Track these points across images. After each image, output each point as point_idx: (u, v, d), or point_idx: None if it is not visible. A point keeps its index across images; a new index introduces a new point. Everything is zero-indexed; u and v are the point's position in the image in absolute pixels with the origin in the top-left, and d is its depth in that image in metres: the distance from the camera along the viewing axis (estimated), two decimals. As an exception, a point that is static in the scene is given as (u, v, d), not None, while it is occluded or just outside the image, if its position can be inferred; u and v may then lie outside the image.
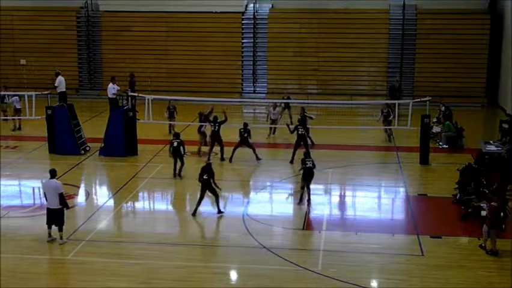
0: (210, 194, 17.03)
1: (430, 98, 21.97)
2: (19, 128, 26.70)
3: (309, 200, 17.68)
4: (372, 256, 14.54)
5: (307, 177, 17.75)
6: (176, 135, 20.46)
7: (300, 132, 21.68)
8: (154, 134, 25.08)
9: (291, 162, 21.34)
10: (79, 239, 15.27)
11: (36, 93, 23.92)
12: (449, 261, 14.11)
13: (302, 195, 17.85)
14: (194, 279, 13.39)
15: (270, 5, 34.69)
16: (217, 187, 17.08)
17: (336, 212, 18.27)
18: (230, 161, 21.60)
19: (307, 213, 17.22)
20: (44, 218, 15.11)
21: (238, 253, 14.77)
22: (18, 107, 26.51)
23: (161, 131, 25.40)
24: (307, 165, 17.77)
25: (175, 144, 20.00)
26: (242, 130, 21.89)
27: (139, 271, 13.67)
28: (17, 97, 26.44)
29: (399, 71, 33.05)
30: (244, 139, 21.81)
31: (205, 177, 16.81)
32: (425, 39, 32.70)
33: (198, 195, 16.96)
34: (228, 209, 18.45)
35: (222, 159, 21.77)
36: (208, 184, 16.85)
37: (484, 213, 15.37)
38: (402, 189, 19.48)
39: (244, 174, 20.79)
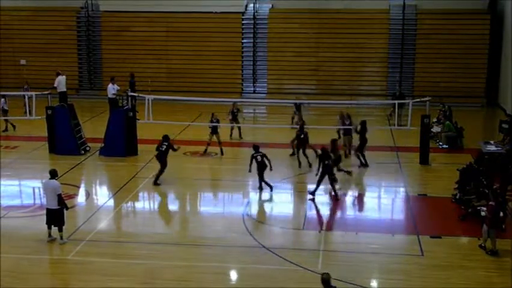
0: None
1: (430, 98, 21.97)
2: (6, 129, 26.46)
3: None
4: (372, 256, 14.54)
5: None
6: (256, 148, 18.98)
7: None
8: (154, 134, 25.03)
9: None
10: (79, 239, 15.26)
11: (36, 93, 23.93)
12: (449, 261, 14.10)
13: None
14: (194, 279, 13.38)
15: (270, 5, 34.69)
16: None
17: (336, 212, 18.26)
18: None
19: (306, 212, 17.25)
20: (44, 218, 15.12)
21: (238, 253, 14.76)
22: (5, 108, 26.44)
23: (162, 131, 25.33)
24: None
25: (259, 158, 18.61)
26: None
27: (139, 271, 13.67)
28: (3, 99, 26.37)
29: (399, 71, 33.09)
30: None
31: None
32: (425, 39, 32.71)
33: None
34: (228, 209, 18.50)
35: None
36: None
37: (483, 213, 15.38)
38: (402, 189, 19.48)
39: (243, 174, 20.77)
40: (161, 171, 19.53)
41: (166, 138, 19.81)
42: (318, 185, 18.15)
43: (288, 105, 29.20)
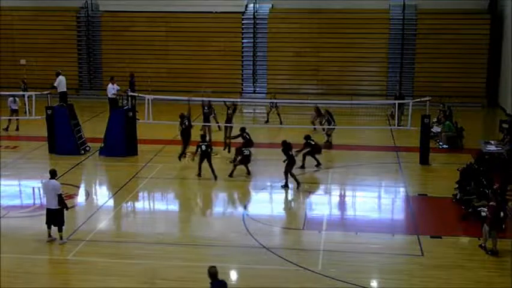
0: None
1: (430, 98, 21.97)
2: (16, 129, 26.63)
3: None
4: (372, 256, 14.54)
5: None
6: (203, 138, 20.51)
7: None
8: (154, 134, 25.07)
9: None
10: (79, 239, 15.27)
11: (36, 93, 23.93)
12: (449, 261, 14.11)
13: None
14: (194, 279, 13.36)
15: (270, 5, 34.68)
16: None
17: (336, 212, 18.27)
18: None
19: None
20: (44, 218, 15.12)
21: (238, 253, 14.77)
22: (14, 107, 26.47)
23: (161, 131, 25.39)
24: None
25: (203, 147, 19.95)
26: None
27: (139, 271, 13.66)
28: (12, 98, 26.41)
29: (399, 71, 33.06)
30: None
31: None
32: (425, 39, 32.67)
33: None
34: (228, 209, 18.50)
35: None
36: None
37: (484, 213, 15.37)
38: (402, 189, 19.47)
39: (244, 174, 20.76)
40: (184, 148, 21.49)
41: (182, 116, 22.02)
42: (286, 176, 18.96)
43: (287, 105, 29.28)
